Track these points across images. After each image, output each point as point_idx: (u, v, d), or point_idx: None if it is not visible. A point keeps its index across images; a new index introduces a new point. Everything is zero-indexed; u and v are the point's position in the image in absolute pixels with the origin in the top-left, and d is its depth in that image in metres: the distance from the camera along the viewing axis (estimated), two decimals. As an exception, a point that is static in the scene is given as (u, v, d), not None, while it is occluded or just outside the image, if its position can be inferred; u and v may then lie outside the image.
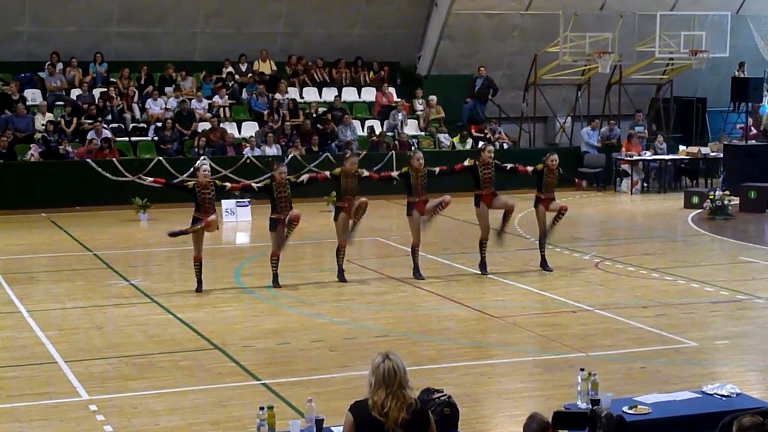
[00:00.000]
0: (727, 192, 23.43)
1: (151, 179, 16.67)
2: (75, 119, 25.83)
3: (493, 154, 16.72)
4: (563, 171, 17.11)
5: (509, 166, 16.99)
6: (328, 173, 16.50)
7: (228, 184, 16.20)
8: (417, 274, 16.38)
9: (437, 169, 16.53)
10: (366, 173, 16.35)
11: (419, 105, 29.35)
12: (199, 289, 15.58)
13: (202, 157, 25.01)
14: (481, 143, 17.29)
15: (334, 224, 16.28)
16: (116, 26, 28.02)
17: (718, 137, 30.93)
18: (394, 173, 16.83)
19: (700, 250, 19.77)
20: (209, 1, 28.37)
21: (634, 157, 27.82)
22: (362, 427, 6.16)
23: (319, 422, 7.57)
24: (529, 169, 16.86)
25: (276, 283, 15.80)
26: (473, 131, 28.64)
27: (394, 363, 6.15)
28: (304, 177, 16.35)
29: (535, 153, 27.59)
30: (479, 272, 16.70)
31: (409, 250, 16.59)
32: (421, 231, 16.35)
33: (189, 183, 15.81)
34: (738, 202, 23.90)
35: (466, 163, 17.16)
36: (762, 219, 23.14)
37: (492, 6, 29.57)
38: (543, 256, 17.08)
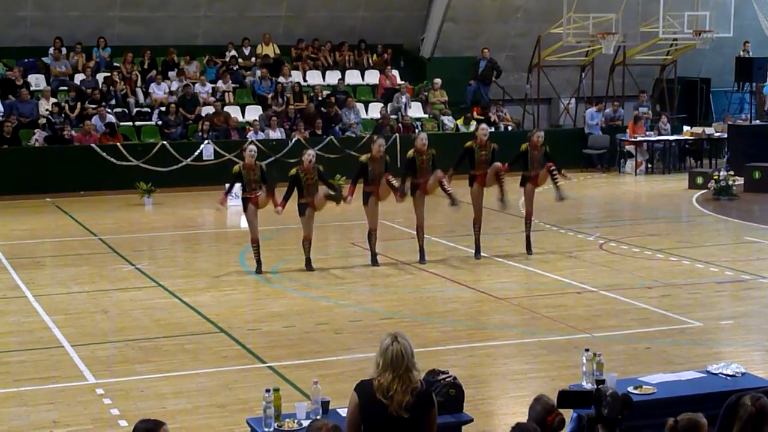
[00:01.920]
0: (732, 172, 23.42)
1: (219, 205, 16.33)
2: (79, 104, 25.83)
3: (487, 136, 16.62)
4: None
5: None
6: (352, 190, 16.11)
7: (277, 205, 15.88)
8: (422, 258, 16.42)
9: (447, 187, 16.27)
10: (390, 177, 16.08)
11: (425, 93, 29.25)
12: (258, 271, 15.64)
13: (206, 141, 25.06)
14: (482, 126, 17.12)
15: (363, 209, 16.17)
16: (119, 11, 27.98)
17: (722, 117, 30.88)
18: (397, 185, 16.37)
19: (704, 230, 19.77)
20: (212, -15, 28.34)
21: (638, 138, 27.78)
22: (366, 408, 6.18)
23: (324, 404, 7.59)
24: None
25: (309, 267, 15.87)
26: (476, 113, 28.60)
27: (402, 346, 6.15)
28: (341, 189, 16.22)
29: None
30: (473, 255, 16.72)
31: (414, 232, 16.61)
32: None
33: (235, 168, 15.80)
34: (742, 182, 23.88)
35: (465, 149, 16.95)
36: (766, 199, 23.09)
37: (495, -13, 29.51)
38: (528, 237, 17.08)
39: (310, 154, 15.70)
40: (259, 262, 15.77)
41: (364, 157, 16.17)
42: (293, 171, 15.73)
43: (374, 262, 16.22)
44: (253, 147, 16.05)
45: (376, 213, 16.09)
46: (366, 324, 12.89)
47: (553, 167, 16.61)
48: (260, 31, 28.89)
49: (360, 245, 16.64)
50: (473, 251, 16.86)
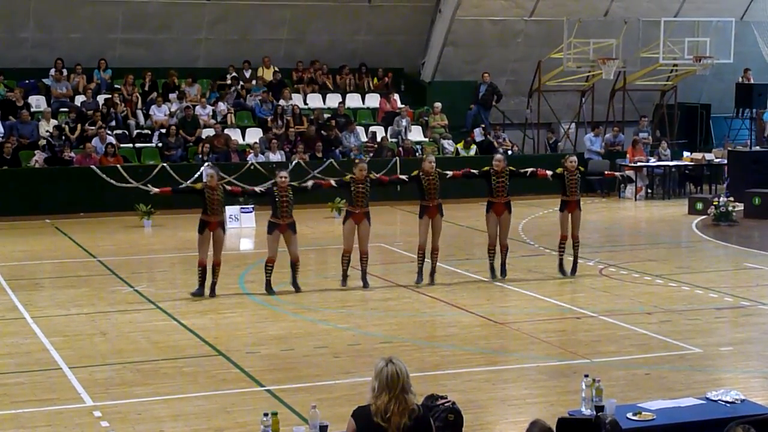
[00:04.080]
0: (732, 198, 23.41)
1: (157, 189, 16.59)
2: (79, 125, 25.86)
3: (505, 162, 16.64)
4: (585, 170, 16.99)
5: (529, 170, 16.98)
6: (332, 181, 16.60)
7: (229, 187, 16.30)
8: (419, 278, 16.41)
9: (449, 173, 16.60)
10: (375, 176, 16.49)
11: (425, 118, 29.28)
12: (199, 293, 15.57)
13: (207, 164, 25.06)
14: (496, 156, 17.14)
15: (342, 228, 16.26)
16: (120, 33, 28.06)
17: (722, 143, 30.92)
18: (404, 176, 16.79)
19: (704, 256, 19.76)
20: (213, 8, 28.41)
21: (638, 163, 27.81)
22: (365, 432, 6.17)
23: (323, 428, 7.56)
24: (548, 172, 16.91)
25: (270, 290, 15.84)
26: (475, 137, 28.65)
27: (397, 367, 6.16)
28: (309, 183, 16.56)
29: (538, 159, 27.65)
30: (490, 278, 16.70)
31: (415, 255, 16.62)
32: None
33: (197, 185, 15.83)
34: (742, 208, 23.87)
35: (476, 172, 17.02)
36: (766, 225, 23.08)
37: (496, 12, 29.58)
38: (575, 260, 17.15)
39: (283, 173, 15.76)
40: (201, 285, 15.61)
41: (347, 177, 16.40)
42: (270, 184, 15.86)
43: (344, 281, 16.25)
44: (210, 170, 15.92)
45: (352, 237, 16.07)
46: (365, 348, 12.85)
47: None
48: (261, 54, 28.96)
49: (359, 269, 16.61)
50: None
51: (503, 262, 16.79)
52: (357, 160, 17.50)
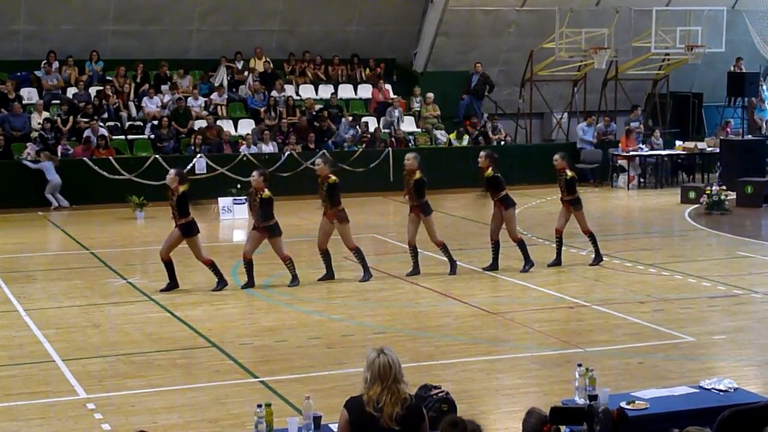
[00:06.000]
0: (724, 187, 23.45)
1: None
2: (71, 118, 25.81)
3: (488, 161, 16.45)
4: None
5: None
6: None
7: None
8: (413, 270, 16.44)
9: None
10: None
11: (416, 103, 29.31)
12: (167, 289, 15.57)
13: (199, 155, 25.04)
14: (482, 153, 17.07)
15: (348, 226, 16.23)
16: (112, 24, 27.99)
17: (714, 132, 30.95)
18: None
19: (697, 245, 19.78)
20: (205, -1, 28.38)
21: (631, 153, 27.83)
22: (357, 422, 6.18)
23: (316, 419, 7.57)
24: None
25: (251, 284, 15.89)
26: (468, 127, 28.66)
27: (389, 357, 6.18)
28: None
29: (531, 149, 27.69)
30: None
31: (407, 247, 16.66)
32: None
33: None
34: (734, 197, 23.90)
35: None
36: (758, 214, 23.16)
37: (488, 2, 29.53)
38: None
39: (254, 175, 15.74)
40: (171, 278, 15.69)
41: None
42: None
43: (326, 276, 16.20)
44: (171, 170, 15.94)
45: (323, 234, 16.05)
46: (358, 338, 12.86)
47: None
48: (253, 45, 28.90)
49: (352, 259, 16.62)
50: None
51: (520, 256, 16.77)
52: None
